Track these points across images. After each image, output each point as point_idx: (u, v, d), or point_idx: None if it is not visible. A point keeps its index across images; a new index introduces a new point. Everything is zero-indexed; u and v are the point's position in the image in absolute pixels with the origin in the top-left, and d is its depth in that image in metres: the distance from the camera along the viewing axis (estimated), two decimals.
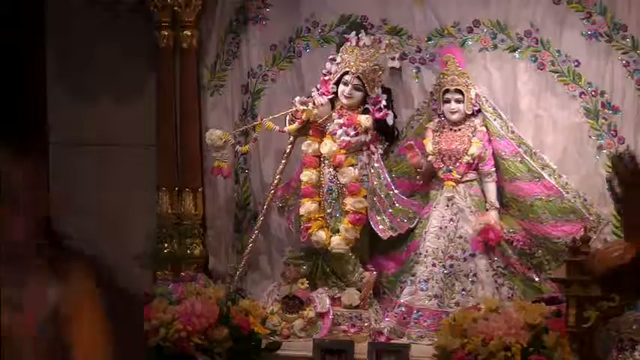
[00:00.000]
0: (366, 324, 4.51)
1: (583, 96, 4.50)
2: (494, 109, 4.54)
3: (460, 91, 4.50)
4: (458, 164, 4.51)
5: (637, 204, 3.16)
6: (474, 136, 4.50)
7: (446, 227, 4.50)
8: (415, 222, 4.57)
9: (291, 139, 4.69)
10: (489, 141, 4.51)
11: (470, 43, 4.63)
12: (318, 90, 4.64)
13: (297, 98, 4.64)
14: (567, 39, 4.51)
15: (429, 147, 4.54)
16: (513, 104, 4.58)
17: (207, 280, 4.60)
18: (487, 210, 4.49)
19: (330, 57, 4.66)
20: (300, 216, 4.64)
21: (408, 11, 4.72)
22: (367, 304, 4.55)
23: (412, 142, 4.53)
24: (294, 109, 4.61)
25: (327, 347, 4.29)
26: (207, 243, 5.04)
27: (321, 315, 4.53)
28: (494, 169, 4.52)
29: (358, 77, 4.55)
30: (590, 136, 4.51)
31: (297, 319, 4.52)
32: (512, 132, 4.52)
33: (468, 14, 4.64)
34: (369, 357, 4.21)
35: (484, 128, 4.50)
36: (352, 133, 4.54)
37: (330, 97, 4.61)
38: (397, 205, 4.57)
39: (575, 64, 4.50)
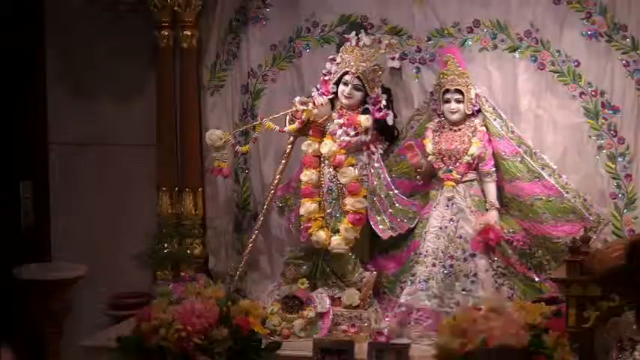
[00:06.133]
0: (366, 324, 4.50)
1: (583, 96, 4.50)
2: (494, 109, 4.54)
3: (460, 91, 4.50)
4: (458, 164, 4.51)
5: None
6: (474, 136, 4.49)
7: (446, 227, 4.50)
8: (415, 222, 4.57)
9: (291, 139, 4.69)
10: (489, 141, 4.51)
11: (470, 43, 4.64)
12: (318, 90, 4.64)
13: (297, 98, 4.64)
14: (567, 39, 4.51)
15: (429, 147, 4.54)
16: (513, 104, 4.58)
17: (207, 280, 4.60)
18: (487, 210, 4.49)
19: (330, 57, 4.66)
20: (300, 216, 4.64)
21: (408, 11, 4.72)
22: (367, 304, 4.55)
23: (412, 142, 4.54)
24: (294, 109, 4.61)
25: (327, 347, 4.28)
26: (207, 243, 5.04)
27: (321, 315, 4.53)
28: (494, 169, 4.52)
29: (358, 77, 4.55)
30: (590, 136, 4.51)
31: (297, 319, 4.52)
32: (512, 132, 4.52)
33: (468, 14, 4.64)
34: (369, 357, 4.20)
35: (484, 128, 4.50)
36: (352, 133, 4.54)
37: (330, 97, 4.61)
38: (397, 205, 4.57)
39: (575, 64, 4.50)
